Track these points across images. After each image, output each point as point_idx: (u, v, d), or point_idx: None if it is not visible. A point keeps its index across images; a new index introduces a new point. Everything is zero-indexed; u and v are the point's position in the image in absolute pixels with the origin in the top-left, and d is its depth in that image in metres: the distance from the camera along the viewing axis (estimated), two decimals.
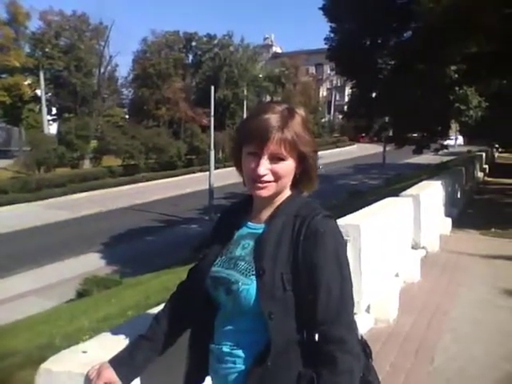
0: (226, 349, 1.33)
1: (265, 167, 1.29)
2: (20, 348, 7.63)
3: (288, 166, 1.32)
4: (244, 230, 1.42)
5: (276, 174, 1.31)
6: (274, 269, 1.26)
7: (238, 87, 55.01)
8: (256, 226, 1.39)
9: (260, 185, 1.31)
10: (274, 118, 1.29)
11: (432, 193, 7.83)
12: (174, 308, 1.50)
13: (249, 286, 1.28)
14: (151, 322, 1.49)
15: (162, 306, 1.58)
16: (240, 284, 1.29)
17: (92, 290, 13.07)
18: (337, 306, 1.24)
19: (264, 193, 1.32)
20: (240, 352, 1.31)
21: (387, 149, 38.79)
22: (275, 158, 1.29)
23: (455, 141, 52.23)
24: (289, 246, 1.28)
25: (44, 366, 1.45)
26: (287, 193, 1.39)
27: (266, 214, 1.39)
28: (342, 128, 64.80)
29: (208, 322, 1.40)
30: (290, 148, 1.29)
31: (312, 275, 1.24)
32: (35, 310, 12.44)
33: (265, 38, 76.34)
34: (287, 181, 1.35)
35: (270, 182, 1.31)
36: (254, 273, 1.29)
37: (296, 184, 1.39)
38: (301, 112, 1.35)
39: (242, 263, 1.33)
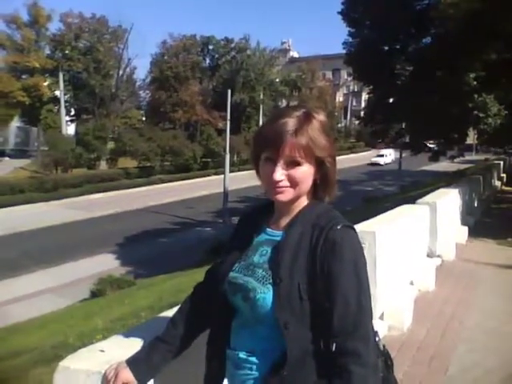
0: (242, 355, 1.33)
1: (280, 173, 1.27)
2: (34, 346, 7.73)
3: (305, 172, 1.29)
4: (263, 236, 1.40)
5: (292, 180, 1.28)
6: (291, 278, 1.24)
7: (255, 91, 55.17)
8: (274, 233, 1.37)
9: (278, 189, 1.29)
10: (289, 123, 1.27)
11: (449, 201, 7.76)
12: (190, 310, 1.50)
13: (265, 295, 1.26)
14: (167, 324, 1.48)
15: (175, 308, 1.58)
16: (257, 292, 1.28)
17: (106, 289, 13.15)
18: (353, 317, 1.22)
19: (282, 197, 1.30)
20: (255, 359, 1.31)
21: (403, 155, 38.52)
22: (291, 163, 1.27)
23: (387, 157, 51.89)
24: (306, 256, 1.26)
25: (63, 363, 1.46)
26: (305, 200, 1.37)
27: (285, 220, 1.37)
28: (358, 133, 64.65)
29: (226, 326, 1.40)
30: (305, 153, 1.27)
31: (329, 286, 1.23)
32: (50, 308, 12.58)
33: (282, 43, 76.54)
34: (306, 186, 1.32)
35: (286, 187, 1.29)
36: (270, 281, 1.27)
37: (316, 190, 1.37)
38: (319, 116, 1.32)
39: (260, 271, 1.31)
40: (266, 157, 1.29)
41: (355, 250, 1.28)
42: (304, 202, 1.37)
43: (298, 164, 1.27)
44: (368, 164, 52.25)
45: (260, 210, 1.47)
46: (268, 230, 1.40)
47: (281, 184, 1.28)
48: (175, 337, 1.45)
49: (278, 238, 1.34)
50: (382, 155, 54.34)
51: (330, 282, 1.23)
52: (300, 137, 1.25)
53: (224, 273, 1.39)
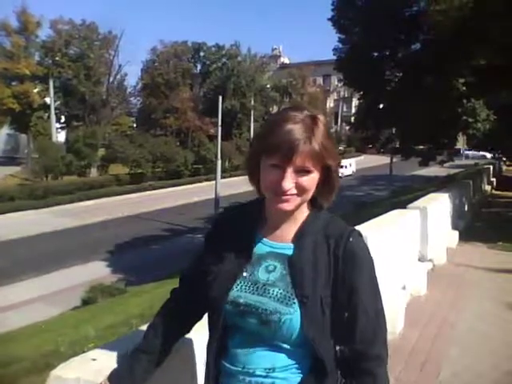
0: (260, 372, 1.26)
1: (290, 181, 1.20)
2: (26, 355, 7.65)
3: (313, 179, 1.24)
4: (263, 249, 1.31)
5: (301, 188, 1.22)
6: (315, 294, 1.21)
7: (246, 97, 55.24)
8: (281, 246, 1.30)
9: (284, 198, 1.22)
10: (298, 129, 1.19)
11: (439, 205, 7.81)
12: (169, 317, 1.44)
13: (292, 316, 1.20)
14: (147, 333, 1.44)
15: None
16: (281, 314, 1.20)
17: (97, 297, 13.08)
18: (374, 325, 1.26)
19: (287, 207, 1.23)
20: (278, 374, 1.25)
21: (394, 160, 38.72)
22: (301, 171, 1.21)
23: (346, 169, 46.73)
24: (326, 269, 1.23)
25: (54, 372, 1.46)
26: (304, 207, 1.31)
27: (288, 231, 1.30)
28: (349, 139, 64.91)
29: (223, 343, 1.32)
30: (316, 161, 1.21)
31: (350, 297, 1.24)
32: (41, 316, 12.46)
33: (273, 49, 76.72)
34: (311, 194, 1.26)
35: (293, 195, 1.22)
36: (294, 301, 1.21)
37: (315, 196, 1.30)
38: (322, 118, 1.27)
39: (276, 290, 1.24)
40: (273, 163, 1.21)
41: (371, 260, 1.31)
42: (304, 209, 1.31)
43: (308, 171, 1.22)
44: None
45: (240, 214, 1.38)
46: (266, 240, 1.32)
47: (290, 192, 1.21)
48: (156, 346, 1.41)
49: (286, 252, 1.28)
50: (341, 166, 50.25)
51: (351, 294, 1.24)
52: (313, 145, 1.20)
53: (222, 291, 1.28)
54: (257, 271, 1.28)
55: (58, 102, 48.01)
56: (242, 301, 1.26)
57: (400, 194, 27.07)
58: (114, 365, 1.44)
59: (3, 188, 30.49)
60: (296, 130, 1.20)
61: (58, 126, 47.91)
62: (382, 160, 49.65)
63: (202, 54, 60.52)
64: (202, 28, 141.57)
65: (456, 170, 35.16)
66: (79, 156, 37.82)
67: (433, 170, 36.27)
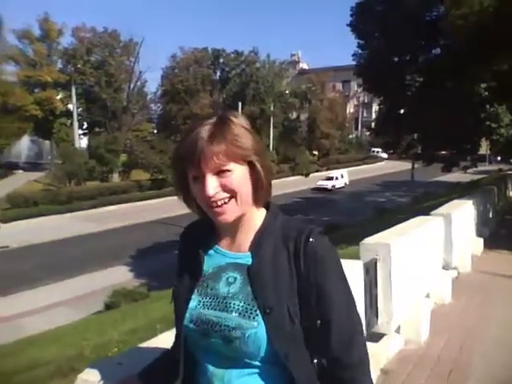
0: None
1: (212, 185, 1.11)
2: (50, 358, 7.75)
3: (237, 176, 1.13)
4: (220, 260, 1.23)
5: (228, 189, 1.12)
6: (280, 304, 1.11)
7: (265, 103, 55.41)
8: (237, 255, 1.21)
9: (218, 209, 1.13)
10: (203, 131, 1.11)
11: (463, 212, 7.72)
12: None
13: (256, 329, 1.10)
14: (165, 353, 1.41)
15: None
16: (244, 329, 1.11)
17: (120, 302, 13.18)
18: (349, 328, 1.16)
19: (226, 217, 1.14)
20: None
21: (416, 166, 38.28)
22: (220, 173, 1.12)
23: (337, 180, 44.45)
24: (289, 275, 1.14)
25: (81, 376, 1.48)
26: (255, 211, 1.21)
27: (243, 239, 1.22)
28: (370, 145, 64.54)
29: (191, 371, 1.24)
30: (230, 158, 1.12)
31: (319, 301, 1.13)
32: (65, 320, 12.62)
33: (292, 55, 76.88)
34: (246, 193, 1.15)
35: (225, 199, 1.13)
36: (257, 313, 1.11)
37: (256, 197, 1.19)
38: (237, 119, 1.17)
39: (237, 302, 1.14)
40: (193, 175, 1.14)
41: (336, 257, 1.19)
42: (252, 212, 1.21)
43: (228, 170, 1.12)
44: (312, 189, 42.02)
45: (201, 226, 1.30)
46: (224, 251, 1.24)
47: (217, 197, 1.12)
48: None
49: (246, 261, 1.18)
50: (332, 178, 44.79)
51: (319, 298, 1.13)
52: (217, 141, 1.10)
53: (181, 310, 1.21)
54: (218, 285, 1.19)
55: (80, 109, 48.86)
56: (203, 318, 1.17)
57: (422, 200, 26.77)
58: (140, 369, 1.43)
59: (27, 193, 31.07)
60: (200, 133, 1.12)
61: (80, 132, 48.70)
62: (404, 166, 49.24)
63: (221, 60, 60.98)
64: (222, 35, 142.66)
65: (479, 176, 34.63)
66: (101, 162, 38.38)
67: (455, 176, 35.83)
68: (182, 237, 1.34)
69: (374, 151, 65.39)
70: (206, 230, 1.26)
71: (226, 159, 1.11)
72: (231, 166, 1.12)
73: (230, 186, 1.12)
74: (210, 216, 1.17)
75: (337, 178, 44.60)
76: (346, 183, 45.39)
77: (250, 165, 1.15)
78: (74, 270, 18.40)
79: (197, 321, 1.17)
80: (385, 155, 60.49)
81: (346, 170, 49.01)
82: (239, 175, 1.13)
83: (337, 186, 43.56)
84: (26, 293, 16.27)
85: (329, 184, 43.33)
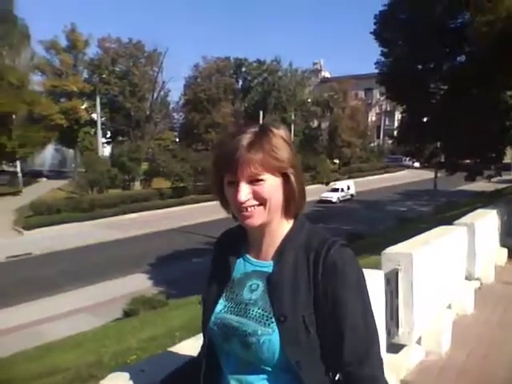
0: None
1: (244, 192, 1.16)
2: (69, 364, 7.81)
3: (270, 185, 1.17)
4: (247, 267, 1.28)
5: (259, 197, 1.17)
6: (295, 312, 1.14)
7: (286, 112, 55.52)
8: (262, 264, 1.26)
9: (246, 213, 1.18)
10: (243, 139, 1.16)
11: (487, 222, 7.55)
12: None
13: (271, 336, 1.14)
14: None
15: None
16: (259, 335, 1.15)
17: (139, 309, 13.25)
18: (365, 342, 1.15)
19: (253, 221, 1.19)
20: None
21: (439, 175, 37.73)
22: (254, 181, 1.16)
23: (343, 192, 41.61)
24: (307, 285, 1.16)
25: (104, 382, 1.49)
26: (284, 221, 1.26)
27: (269, 247, 1.25)
28: (392, 153, 63.96)
29: (216, 371, 1.29)
30: (266, 168, 1.16)
31: (335, 312, 1.14)
32: (86, 326, 12.75)
33: (314, 63, 76.90)
34: (276, 202, 1.20)
35: (254, 206, 1.18)
36: (272, 320, 1.15)
37: (287, 208, 1.25)
38: (277, 130, 1.21)
39: (255, 309, 1.19)
40: (229, 181, 1.19)
41: (357, 270, 1.19)
42: (281, 223, 1.25)
43: (261, 179, 1.16)
44: (317, 202, 38.15)
45: (234, 234, 1.36)
46: (251, 259, 1.28)
47: (248, 204, 1.17)
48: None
49: (269, 269, 1.23)
50: (337, 189, 41.84)
51: (335, 308, 1.14)
52: (255, 150, 1.15)
53: (208, 314, 1.26)
54: (241, 291, 1.25)
55: (104, 118, 49.74)
56: (225, 322, 1.22)
57: (445, 209, 26.37)
58: (162, 376, 1.43)
59: (51, 201, 31.64)
60: (240, 140, 1.16)
61: (103, 140, 49.54)
62: (427, 174, 48.59)
63: (243, 69, 61.37)
64: (244, 44, 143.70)
65: (504, 185, 33.98)
66: (124, 170, 38.86)
67: (479, 185, 35.20)
68: (216, 244, 1.43)
69: (401, 159, 63.18)
70: (238, 238, 1.32)
71: (261, 169, 1.16)
72: (265, 175, 1.17)
73: (262, 194, 1.17)
74: (239, 219, 1.22)
75: (342, 190, 42.02)
76: (352, 195, 43.07)
77: (285, 176, 1.20)
78: (96, 277, 18.59)
79: (220, 324, 1.23)
80: (417, 164, 59.29)
81: (367, 178, 48.12)
82: (272, 185, 1.18)
83: (342, 199, 41.01)
84: (48, 299, 16.48)
85: (334, 196, 40.78)
